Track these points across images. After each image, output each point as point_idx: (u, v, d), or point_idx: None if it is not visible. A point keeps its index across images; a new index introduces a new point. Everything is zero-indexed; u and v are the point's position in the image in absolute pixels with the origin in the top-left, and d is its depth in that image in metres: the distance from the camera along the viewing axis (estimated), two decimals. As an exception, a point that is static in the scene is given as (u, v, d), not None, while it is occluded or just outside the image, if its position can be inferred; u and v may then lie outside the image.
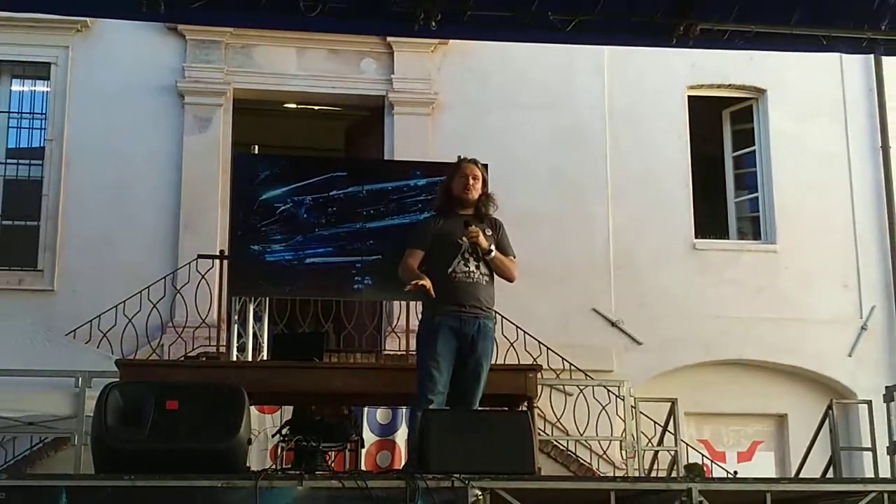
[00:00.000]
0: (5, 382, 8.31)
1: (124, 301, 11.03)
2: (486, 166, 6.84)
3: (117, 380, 6.56)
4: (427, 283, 6.27)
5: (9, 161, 12.46)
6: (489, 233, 6.46)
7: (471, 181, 6.50)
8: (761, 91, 13.53)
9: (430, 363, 6.25)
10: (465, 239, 6.36)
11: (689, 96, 13.36)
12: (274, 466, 9.02)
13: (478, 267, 6.39)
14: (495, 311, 6.57)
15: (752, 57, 12.25)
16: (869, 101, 13.45)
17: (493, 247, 6.41)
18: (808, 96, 13.35)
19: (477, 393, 6.32)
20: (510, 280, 6.55)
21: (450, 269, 6.36)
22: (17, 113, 12.62)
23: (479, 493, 5.35)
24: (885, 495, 5.84)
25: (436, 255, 6.41)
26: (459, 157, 6.69)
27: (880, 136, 13.34)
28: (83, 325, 10.88)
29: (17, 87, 12.76)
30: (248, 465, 6.11)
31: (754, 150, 13.61)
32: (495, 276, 6.52)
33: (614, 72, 13.11)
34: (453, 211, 6.51)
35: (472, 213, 6.50)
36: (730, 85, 13.57)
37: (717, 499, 5.79)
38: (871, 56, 12.39)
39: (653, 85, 13.14)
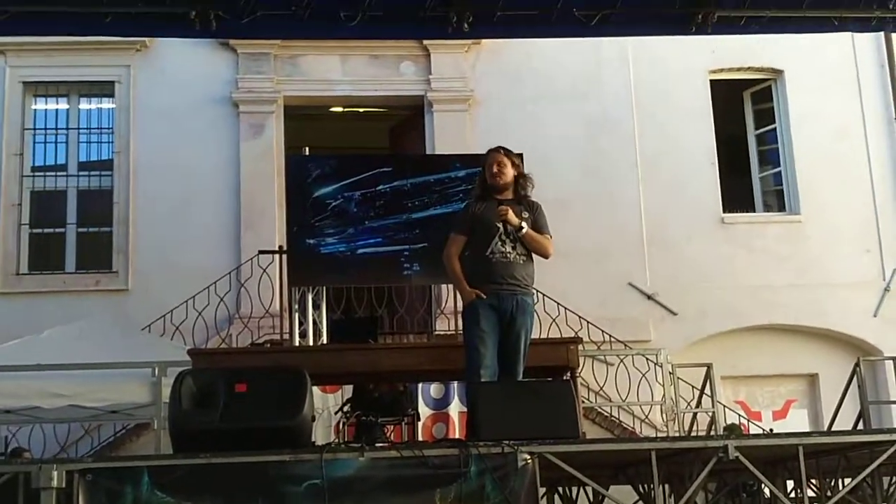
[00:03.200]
0: (89, 375, 8.45)
1: (193, 296, 11.19)
2: (520, 155, 6.84)
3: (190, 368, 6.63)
4: (475, 293, 6.35)
5: (81, 173, 12.65)
6: (525, 215, 6.47)
7: (495, 168, 6.50)
8: (779, 72, 13.43)
9: (475, 339, 6.29)
10: (501, 223, 6.38)
11: (710, 80, 13.28)
12: (337, 440, 9.10)
13: (514, 248, 6.41)
14: (535, 289, 6.58)
15: (768, 40, 12.15)
16: (881, 76, 13.29)
17: (524, 224, 6.42)
18: (823, 74, 13.23)
19: (519, 365, 6.34)
20: (545, 256, 6.54)
21: (488, 251, 6.38)
22: (87, 129, 12.79)
23: (528, 457, 5.37)
24: (912, 443, 5.81)
25: (476, 239, 6.44)
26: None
27: (894, 108, 13.21)
28: (157, 319, 11.04)
29: (84, 105, 12.92)
30: (313, 440, 6.17)
31: (775, 128, 13.50)
32: (534, 256, 6.54)
33: (638, 61, 13.06)
34: (491, 197, 6.52)
35: (510, 198, 6.51)
36: (749, 67, 13.47)
37: (753, 453, 5.79)
38: (882, 34, 12.24)
39: (676, 71, 13.06)
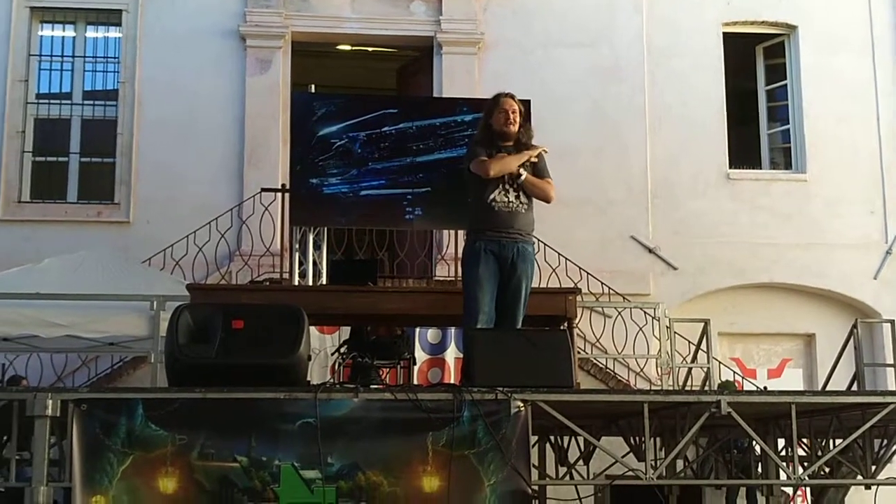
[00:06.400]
0: (87, 306, 8.49)
1: (194, 231, 11.18)
2: (528, 102, 6.79)
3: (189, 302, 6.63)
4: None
5: (85, 102, 12.60)
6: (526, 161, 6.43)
7: (510, 115, 6.45)
8: (793, 27, 13.31)
9: (473, 285, 6.30)
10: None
11: (724, 33, 13.17)
12: (332, 381, 9.15)
13: (517, 196, 6.39)
14: (537, 238, 6.58)
15: (785, -7, 12.10)
16: (895, 37, 13.18)
17: (522, 171, 6.39)
18: (837, 32, 13.13)
19: (519, 312, 6.36)
20: (547, 201, 6.51)
21: (490, 199, 6.37)
22: (93, 57, 12.72)
23: (521, 404, 5.41)
24: (904, 407, 5.84)
25: (478, 186, 6.41)
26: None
27: (905, 70, 13.14)
28: (157, 253, 11.03)
29: (91, 33, 12.84)
30: (308, 379, 6.19)
31: (786, 84, 13.41)
32: (534, 203, 6.51)
33: (652, 10, 12.97)
34: (494, 144, 6.47)
35: (512, 145, 6.48)
36: (763, 21, 13.35)
37: (746, 410, 5.82)
38: (899, -6, 12.17)
39: (689, 22, 12.97)
